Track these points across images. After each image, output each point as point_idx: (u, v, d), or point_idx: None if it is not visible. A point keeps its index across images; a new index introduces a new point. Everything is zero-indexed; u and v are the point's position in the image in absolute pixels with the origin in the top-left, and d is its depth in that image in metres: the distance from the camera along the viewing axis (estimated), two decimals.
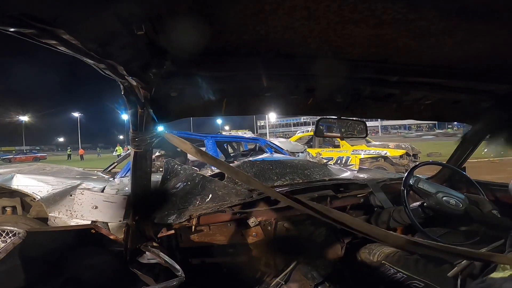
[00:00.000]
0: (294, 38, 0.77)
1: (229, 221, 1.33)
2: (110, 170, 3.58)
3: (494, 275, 0.73)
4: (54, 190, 2.08)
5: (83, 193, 1.86)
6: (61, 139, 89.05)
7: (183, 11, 0.64)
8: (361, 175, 2.05)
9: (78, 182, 2.25)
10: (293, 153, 4.68)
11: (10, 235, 2.11)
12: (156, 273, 1.04)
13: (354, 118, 1.29)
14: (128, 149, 3.39)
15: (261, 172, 1.78)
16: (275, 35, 0.75)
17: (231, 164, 1.66)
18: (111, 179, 2.65)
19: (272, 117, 43.48)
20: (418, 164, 1.43)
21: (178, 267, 0.94)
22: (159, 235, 1.20)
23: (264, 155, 3.08)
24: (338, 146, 7.32)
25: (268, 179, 1.71)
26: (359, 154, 6.79)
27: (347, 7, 0.61)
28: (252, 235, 1.36)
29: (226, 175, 1.56)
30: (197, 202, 1.37)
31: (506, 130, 1.19)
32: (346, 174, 2.16)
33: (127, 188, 2.20)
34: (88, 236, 1.05)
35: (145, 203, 1.15)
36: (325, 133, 1.43)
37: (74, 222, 1.90)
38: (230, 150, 5.93)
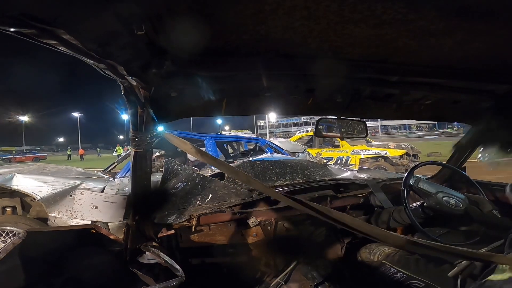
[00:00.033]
0: (294, 38, 0.77)
1: (229, 221, 1.33)
2: (110, 170, 3.58)
3: (493, 277, 0.73)
4: (54, 190, 2.08)
5: (83, 193, 1.86)
6: (61, 139, 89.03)
7: (183, 11, 0.64)
8: (361, 175, 2.05)
9: (78, 182, 2.25)
10: (293, 153, 4.67)
11: (10, 235, 2.11)
12: (156, 273, 1.04)
13: (354, 118, 1.29)
14: (128, 149, 3.38)
15: (261, 172, 1.78)
16: (275, 35, 0.75)
17: (231, 164, 1.65)
18: (111, 179, 2.64)
19: (272, 117, 43.49)
20: (418, 164, 1.43)
21: (178, 267, 0.94)
22: (159, 235, 1.20)
23: (264, 155, 3.08)
24: (338, 146, 7.32)
25: (268, 179, 1.71)
26: (359, 154, 6.79)
27: (347, 7, 0.61)
28: (252, 235, 1.36)
29: (226, 175, 1.56)
30: (197, 202, 1.37)
31: (505, 131, 1.19)
32: (346, 174, 2.15)
33: (127, 188, 2.20)
34: (88, 236, 1.05)
35: (145, 203, 1.15)
36: (325, 133, 1.43)
37: (74, 222, 1.90)
38: (230, 150, 5.93)
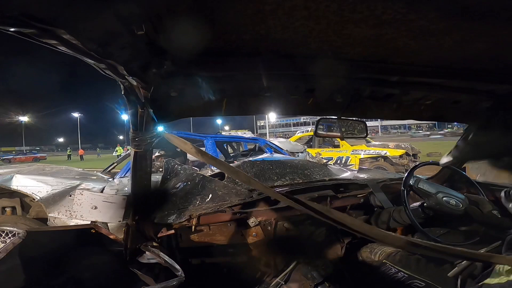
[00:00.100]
0: (294, 38, 0.77)
1: (229, 221, 1.33)
2: (109, 171, 3.58)
3: (489, 280, 0.73)
4: (54, 190, 2.08)
5: (82, 194, 1.85)
6: (61, 140, 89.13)
7: (183, 11, 0.64)
8: (361, 175, 2.05)
9: (77, 182, 2.25)
10: (292, 153, 4.68)
11: (10, 235, 2.10)
12: (156, 273, 1.04)
13: (354, 118, 1.29)
14: (128, 150, 3.38)
15: (261, 172, 1.78)
16: (275, 35, 0.75)
17: (231, 164, 1.65)
18: (110, 179, 2.64)
19: (272, 117, 43.46)
20: (418, 164, 1.43)
21: (178, 267, 0.94)
22: (159, 235, 1.20)
23: (264, 155, 3.08)
24: (338, 146, 7.32)
25: (268, 179, 1.71)
26: (359, 154, 6.79)
27: (347, 7, 0.61)
28: (252, 235, 1.36)
29: (226, 175, 1.56)
30: (197, 202, 1.37)
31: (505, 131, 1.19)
32: (346, 174, 2.16)
33: (126, 189, 2.20)
34: (88, 236, 1.05)
35: (145, 203, 1.15)
36: (325, 133, 1.43)
37: (73, 222, 1.90)
38: (230, 150, 5.93)
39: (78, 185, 2.20)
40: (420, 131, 42.71)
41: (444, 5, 0.61)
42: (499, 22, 0.66)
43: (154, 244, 1.15)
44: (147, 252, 1.07)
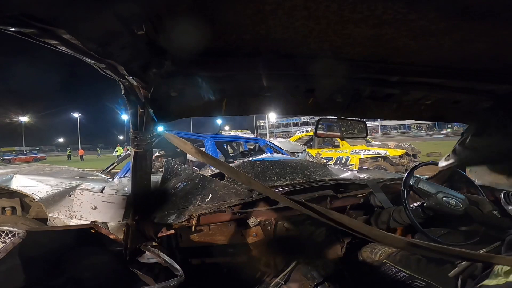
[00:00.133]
0: (294, 38, 0.77)
1: (229, 221, 1.33)
2: (109, 171, 3.57)
3: (488, 282, 0.72)
4: (54, 190, 2.08)
5: (82, 194, 1.85)
6: (61, 140, 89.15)
7: (183, 11, 0.64)
8: (361, 175, 2.05)
9: (77, 182, 2.25)
10: (292, 153, 4.67)
11: (10, 235, 2.10)
12: (156, 273, 1.04)
13: (354, 118, 1.29)
14: (128, 150, 3.38)
15: (261, 172, 1.78)
16: (275, 35, 0.75)
17: (230, 165, 1.65)
18: (110, 179, 2.64)
19: (272, 117, 43.46)
20: (418, 164, 1.43)
21: (178, 267, 0.94)
22: (159, 235, 1.20)
23: (264, 155, 3.08)
24: (337, 146, 7.32)
25: (268, 179, 1.71)
26: (359, 154, 6.79)
27: (347, 7, 0.61)
28: (252, 235, 1.36)
29: (226, 175, 1.56)
30: (197, 202, 1.37)
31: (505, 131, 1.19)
32: (346, 174, 2.15)
33: (126, 189, 2.19)
34: (88, 236, 1.05)
35: (145, 203, 1.15)
36: (325, 133, 1.43)
37: (73, 222, 1.89)
38: (230, 150, 5.93)
39: (78, 185, 2.20)
40: (422, 131, 42.52)
41: (444, 5, 0.61)
42: (499, 22, 0.66)
43: (154, 244, 1.15)
44: (147, 252, 1.07)
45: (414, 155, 6.89)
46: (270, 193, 0.91)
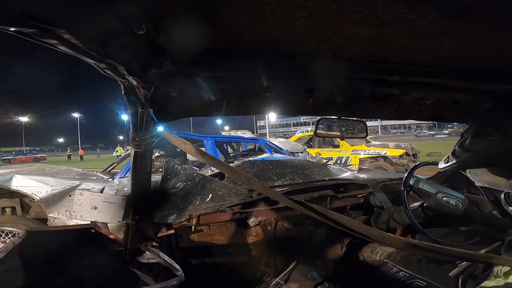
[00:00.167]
0: (294, 38, 0.77)
1: (229, 221, 1.33)
2: (109, 171, 3.58)
3: (487, 283, 0.72)
4: (54, 190, 2.08)
5: (82, 194, 1.86)
6: (61, 140, 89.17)
7: (183, 11, 0.64)
8: (361, 175, 2.05)
9: (77, 182, 2.25)
10: (292, 153, 4.67)
11: (10, 235, 2.10)
12: (156, 273, 1.04)
13: (354, 118, 1.29)
14: (128, 150, 3.38)
15: (261, 172, 1.78)
16: (275, 35, 0.75)
17: (230, 165, 1.65)
18: (110, 179, 2.64)
19: (272, 117, 43.45)
20: (418, 164, 1.43)
21: (177, 267, 0.94)
22: (159, 235, 1.20)
23: (264, 155, 3.08)
24: (337, 146, 7.32)
25: (268, 179, 1.71)
26: (359, 154, 6.79)
27: (347, 7, 0.61)
28: (252, 235, 1.36)
29: (226, 175, 1.56)
30: (197, 202, 1.37)
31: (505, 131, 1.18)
32: (346, 174, 2.16)
33: (126, 189, 2.19)
34: (87, 236, 1.05)
35: (145, 203, 1.15)
36: (325, 133, 1.43)
37: (73, 222, 1.89)
38: (229, 150, 5.93)
39: (78, 185, 2.20)
40: (425, 131, 42.43)
41: (444, 5, 0.61)
42: (499, 22, 0.66)
43: (154, 244, 1.15)
44: (147, 252, 1.07)
45: (414, 155, 6.89)
46: (270, 193, 0.91)
